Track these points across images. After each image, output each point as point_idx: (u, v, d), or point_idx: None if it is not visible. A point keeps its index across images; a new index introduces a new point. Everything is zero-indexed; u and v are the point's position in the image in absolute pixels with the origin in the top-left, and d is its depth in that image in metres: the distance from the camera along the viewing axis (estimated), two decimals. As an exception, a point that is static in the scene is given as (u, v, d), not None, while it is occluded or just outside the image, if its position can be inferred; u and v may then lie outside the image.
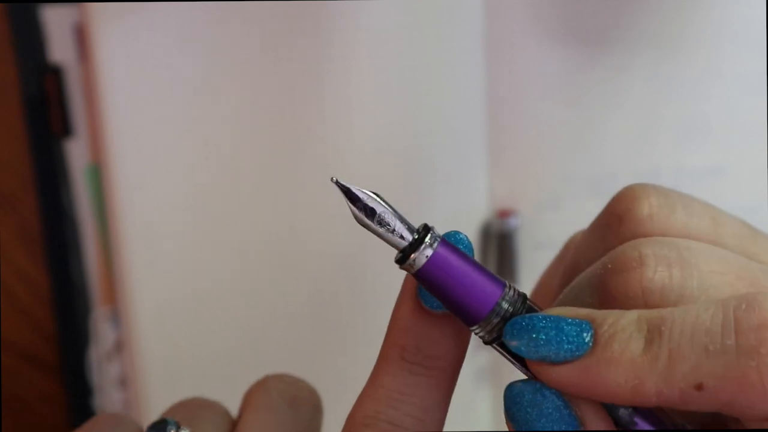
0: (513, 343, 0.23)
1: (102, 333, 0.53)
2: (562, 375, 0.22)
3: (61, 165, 0.51)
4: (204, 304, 0.52)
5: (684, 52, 0.48)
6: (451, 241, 0.24)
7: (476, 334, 0.24)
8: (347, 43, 0.49)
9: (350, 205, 0.24)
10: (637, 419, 0.23)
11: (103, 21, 0.47)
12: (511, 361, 0.24)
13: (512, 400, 0.23)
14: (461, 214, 0.51)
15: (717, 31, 0.48)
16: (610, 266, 0.24)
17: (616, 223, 0.26)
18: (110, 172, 0.49)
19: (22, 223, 0.52)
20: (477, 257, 0.25)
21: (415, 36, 0.50)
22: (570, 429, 0.23)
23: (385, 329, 0.26)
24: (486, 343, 0.24)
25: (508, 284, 0.24)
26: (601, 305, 0.24)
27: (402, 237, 0.23)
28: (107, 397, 0.55)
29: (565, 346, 0.22)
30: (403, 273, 0.24)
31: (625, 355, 0.22)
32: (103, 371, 0.54)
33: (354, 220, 0.24)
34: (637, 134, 0.50)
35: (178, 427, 0.28)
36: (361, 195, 0.24)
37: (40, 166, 0.51)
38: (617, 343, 0.22)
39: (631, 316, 0.22)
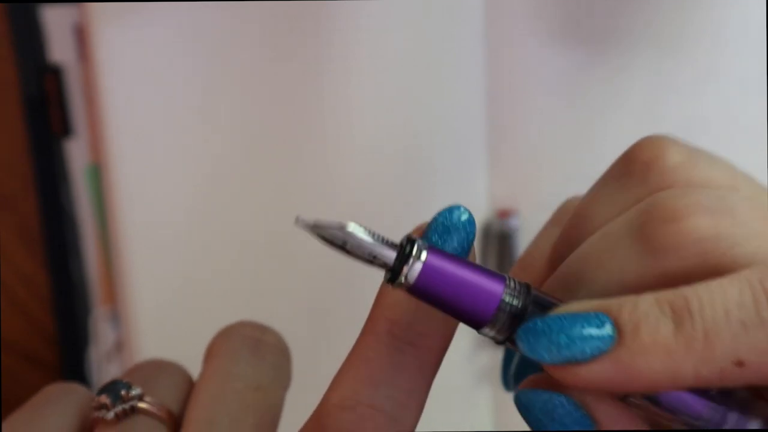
0: (530, 351, 0.21)
1: (102, 333, 0.53)
2: (594, 373, 0.21)
3: (61, 165, 0.51)
4: (204, 304, 0.52)
5: (684, 52, 0.48)
6: (452, 217, 0.23)
7: (487, 336, 0.23)
8: (347, 43, 0.49)
9: (321, 242, 0.23)
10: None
11: (103, 21, 0.47)
12: (528, 359, 0.23)
13: (524, 407, 0.22)
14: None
15: (717, 32, 0.48)
16: (654, 215, 0.23)
17: (643, 171, 0.25)
18: (110, 172, 0.49)
19: (22, 223, 0.52)
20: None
21: (415, 36, 0.50)
22: (586, 429, 0.22)
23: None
24: (499, 343, 0.23)
25: (508, 277, 0.22)
26: (644, 257, 0.23)
27: (384, 257, 0.22)
28: (107, 397, 0.55)
29: (590, 343, 0.21)
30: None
31: (657, 341, 0.20)
32: (103, 371, 0.54)
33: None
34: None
35: (129, 387, 0.27)
36: (331, 227, 0.23)
37: (40, 166, 0.51)
38: (645, 330, 0.21)
39: (648, 300, 0.21)
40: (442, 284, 0.22)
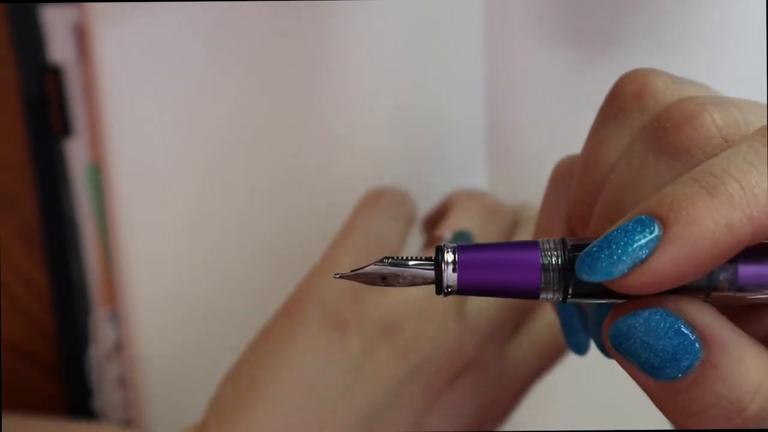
0: (593, 275, 0.22)
1: (102, 333, 0.53)
2: (661, 264, 0.21)
3: (61, 165, 0.51)
4: (204, 304, 0.52)
5: (684, 52, 0.48)
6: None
7: (549, 300, 0.23)
8: (347, 43, 0.49)
9: (369, 285, 0.24)
10: (740, 267, 0.22)
11: (103, 21, 0.47)
12: (598, 304, 0.24)
13: (623, 337, 0.22)
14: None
15: (717, 32, 0.48)
16: (668, 125, 0.24)
17: (635, 102, 0.26)
18: (110, 172, 0.49)
19: (22, 223, 0.52)
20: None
21: (415, 36, 0.50)
22: (691, 339, 0.22)
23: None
24: (563, 301, 0.23)
25: (541, 241, 0.23)
26: (673, 164, 0.24)
27: (423, 276, 0.23)
28: (107, 397, 0.55)
29: (645, 242, 0.21)
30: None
31: (699, 209, 0.21)
32: (102, 371, 0.54)
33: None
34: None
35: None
36: (368, 273, 0.24)
37: (40, 166, 0.51)
38: (685, 206, 0.21)
39: (676, 185, 0.22)
40: (484, 276, 0.23)
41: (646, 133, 0.24)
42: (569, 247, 0.23)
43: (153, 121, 0.49)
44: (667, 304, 0.22)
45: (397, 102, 0.50)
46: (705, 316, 0.22)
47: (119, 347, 0.54)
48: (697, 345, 0.22)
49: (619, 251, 0.22)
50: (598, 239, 0.22)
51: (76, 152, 0.51)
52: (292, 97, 0.50)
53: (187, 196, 0.51)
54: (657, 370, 0.22)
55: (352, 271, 0.24)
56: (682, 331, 0.22)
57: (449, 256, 0.23)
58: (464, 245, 0.23)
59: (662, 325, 0.22)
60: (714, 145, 0.23)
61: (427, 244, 0.45)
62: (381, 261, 0.24)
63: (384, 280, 0.24)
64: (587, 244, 0.23)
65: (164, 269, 0.51)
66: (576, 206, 0.27)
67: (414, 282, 0.24)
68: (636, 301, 0.23)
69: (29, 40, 0.49)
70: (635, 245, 0.22)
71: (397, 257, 0.24)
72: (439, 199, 0.48)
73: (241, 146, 0.50)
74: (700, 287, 0.23)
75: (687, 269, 0.22)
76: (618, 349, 0.23)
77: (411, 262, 0.24)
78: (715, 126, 0.23)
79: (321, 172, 0.51)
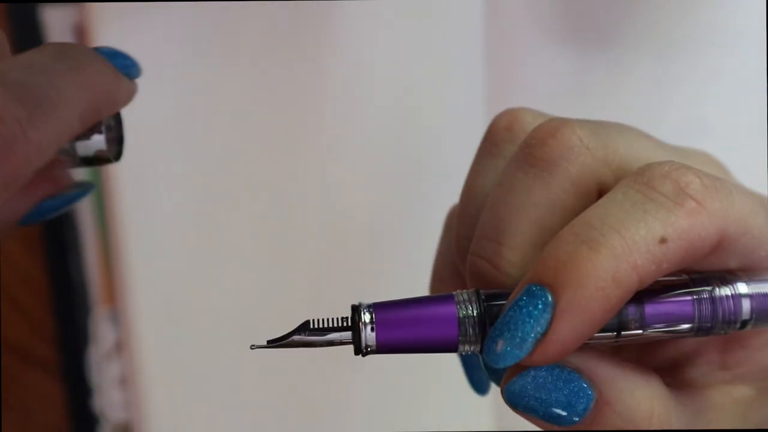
0: (502, 362, 0.23)
1: (102, 333, 0.53)
2: (559, 332, 0.22)
3: (61, 165, 0.51)
4: (204, 304, 0.52)
5: (684, 52, 0.48)
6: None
7: (468, 353, 0.24)
8: (347, 44, 0.49)
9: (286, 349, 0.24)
10: (646, 306, 0.23)
11: (103, 21, 0.47)
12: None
13: (517, 397, 0.23)
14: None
15: (717, 32, 0.48)
16: (532, 141, 0.25)
17: (506, 135, 0.27)
18: (110, 172, 0.49)
19: (22, 223, 0.52)
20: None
21: (416, 36, 0.50)
22: (581, 384, 0.23)
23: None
24: (482, 353, 0.23)
25: (456, 293, 0.23)
26: (540, 177, 0.24)
27: (340, 338, 0.23)
28: (107, 397, 0.55)
29: (540, 313, 0.22)
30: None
31: (585, 269, 0.21)
32: (103, 371, 0.54)
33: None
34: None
35: None
36: (288, 343, 0.24)
37: (40, 166, 0.51)
38: (569, 269, 0.22)
39: (556, 241, 0.22)
40: (402, 333, 0.23)
41: (515, 155, 0.25)
42: (483, 297, 0.23)
43: (153, 121, 0.49)
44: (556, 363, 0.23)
45: (396, 103, 0.50)
46: (587, 359, 0.23)
47: (119, 347, 0.54)
48: (587, 388, 0.23)
49: (519, 333, 0.22)
50: (497, 322, 0.23)
51: (76, 152, 0.51)
52: (292, 98, 0.50)
53: (187, 197, 0.51)
54: (557, 419, 0.23)
55: (268, 342, 0.24)
56: (570, 379, 0.23)
57: (366, 317, 0.23)
58: (380, 303, 0.23)
59: (550, 378, 0.23)
60: (577, 153, 0.24)
61: None
62: (298, 330, 0.24)
63: (306, 346, 0.24)
64: (501, 294, 0.23)
65: (164, 269, 0.51)
66: (458, 241, 0.27)
67: (332, 344, 0.24)
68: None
69: (29, 40, 0.49)
70: (532, 322, 0.22)
71: (315, 324, 0.24)
72: (437, 200, 0.47)
73: (240, 146, 0.50)
74: (610, 329, 0.23)
75: (586, 330, 0.22)
76: (516, 407, 0.23)
77: (330, 330, 0.23)
78: (576, 136, 0.24)
79: (321, 173, 0.51)
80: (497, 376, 0.27)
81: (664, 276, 0.22)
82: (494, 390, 0.57)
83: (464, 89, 0.51)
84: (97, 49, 0.29)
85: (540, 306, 0.22)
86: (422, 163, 0.51)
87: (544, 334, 0.22)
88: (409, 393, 0.55)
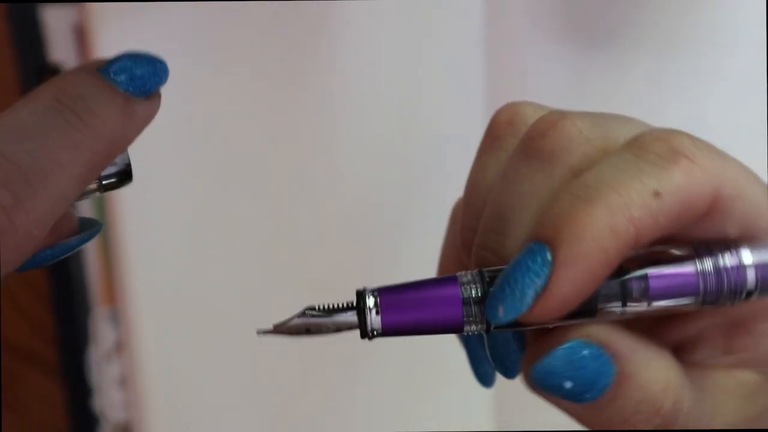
0: (504, 316, 0.23)
1: (102, 333, 0.53)
2: (559, 285, 0.22)
3: (61, 165, 0.51)
4: (204, 304, 0.52)
5: (684, 52, 0.48)
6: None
7: (473, 332, 0.24)
8: (347, 44, 0.49)
9: (291, 337, 0.24)
10: (650, 279, 0.23)
11: (103, 21, 0.47)
12: (519, 332, 0.24)
13: (546, 375, 0.23)
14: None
15: (717, 32, 0.48)
16: (535, 134, 0.25)
17: (508, 129, 0.27)
18: (110, 172, 0.49)
19: (22, 223, 0.52)
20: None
21: (416, 36, 0.50)
22: (605, 359, 0.23)
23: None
24: (488, 332, 0.24)
25: (459, 274, 0.24)
26: (541, 168, 0.24)
27: (347, 322, 0.24)
28: (107, 397, 0.55)
29: (539, 267, 0.22)
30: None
31: (582, 222, 0.22)
32: (103, 371, 0.54)
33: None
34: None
35: None
36: (291, 327, 0.24)
37: (40, 166, 0.51)
38: (566, 223, 0.22)
39: (553, 200, 0.23)
40: (407, 316, 0.23)
41: (517, 147, 0.26)
42: (487, 278, 0.24)
43: (153, 121, 0.49)
44: (573, 335, 0.23)
45: (397, 102, 0.50)
46: (609, 333, 0.23)
47: (119, 347, 0.54)
48: (610, 363, 0.23)
49: (519, 286, 0.22)
50: (498, 279, 0.23)
51: (76, 152, 0.51)
52: (292, 99, 0.50)
53: (187, 197, 0.51)
54: (580, 395, 0.23)
55: (274, 326, 0.25)
56: (597, 355, 0.23)
57: (371, 301, 0.23)
58: (384, 287, 0.24)
59: (578, 356, 0.23)
60: (577, 144, 0.24)
61: None
62: (303, 313, 0.24)
63: (308, 332, 0.24)
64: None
65: (164, 269, 0.51)
66: (463, 234, 0.27)
67: (339, 329, 0.24)
68: (545, 340, 0.23)
69: (29, 40, 0.49)
70: (532, 276, 0.22)
71: (320, 307, 0.24)
72: (437, 200, 0.48)
73: (240, 146, 0.50)
74: (615, 298, 0.23)
75: (586, 284, 0.22)
76: (543, 388, 0.23)
77: (335, 311, 0.24)
78: (575, 128, 0.24)
79: (321, 172, 0.51)
80: (504, 366, 0.27)
81: (662, 234, 0.22)
82: (494, 390, 0.57)
83: (465, 88, 0.51)
84: (115, 62, 0.26)
85: (539, 260, 0.22)
86: (425, 160, 0.51)
87: (544, 288, 0.22)
88: (409, 393, 0.55)
